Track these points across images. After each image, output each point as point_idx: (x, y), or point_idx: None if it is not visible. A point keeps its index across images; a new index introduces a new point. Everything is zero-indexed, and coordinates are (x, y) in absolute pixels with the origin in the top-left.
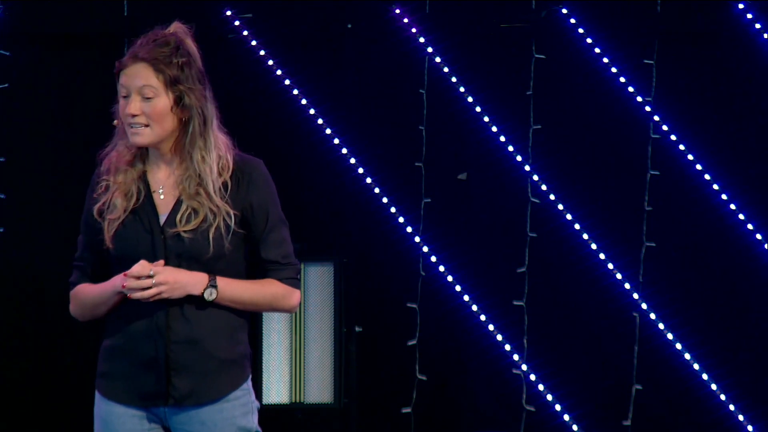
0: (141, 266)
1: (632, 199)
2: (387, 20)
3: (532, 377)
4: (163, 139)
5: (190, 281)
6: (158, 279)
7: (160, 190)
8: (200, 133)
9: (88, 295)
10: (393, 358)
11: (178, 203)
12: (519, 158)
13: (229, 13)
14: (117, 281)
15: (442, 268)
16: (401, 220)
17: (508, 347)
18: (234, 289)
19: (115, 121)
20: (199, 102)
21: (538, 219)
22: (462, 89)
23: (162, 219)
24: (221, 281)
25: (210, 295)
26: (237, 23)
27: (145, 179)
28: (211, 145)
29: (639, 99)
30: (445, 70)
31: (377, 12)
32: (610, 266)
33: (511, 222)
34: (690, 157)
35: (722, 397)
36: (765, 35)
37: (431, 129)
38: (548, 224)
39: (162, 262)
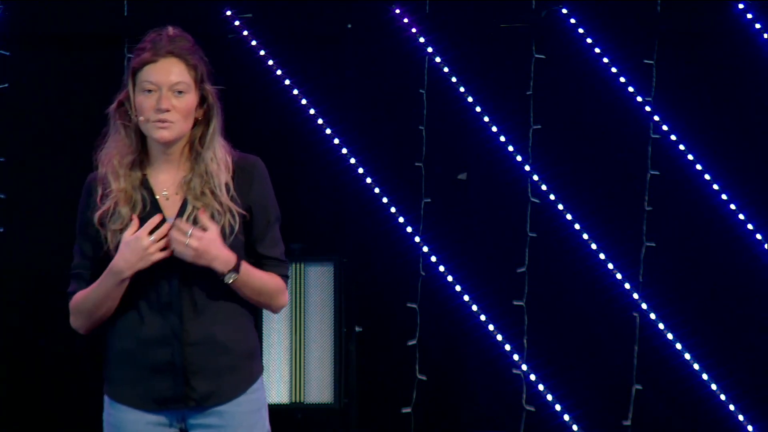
0: (186, 224)
1: (632, 199)
2: (387, 20)
3: (532, 377)
4: (181, 137)
5: (220, 257)
6: (192, 242)
7: (164, 193)
8: (218, 134)
9: (89, 294)
10: (393, 358)
11: (184, 204)
12: (519, 158)
13: (229, 13)
14: (119, 263)
15: (442, 268)
16: (401, 220)
17: (508, 347)
18: (251, 274)
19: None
20: (216, 103)
21: (538, 219)
22: (462, 89)
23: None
24: (243, 264)
25: (229, 279)
26: (237, 23)
27: (146, 184)
28: (220, 145)
29: (639, 99)
30: (445, 70)
31: (377, 12)
32: (610, 266)
33: (511, 222)
34: (690, 157)
35: (722, 397)
36: (765, 35)
37: (431, 129)
38: (548, 224)
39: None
